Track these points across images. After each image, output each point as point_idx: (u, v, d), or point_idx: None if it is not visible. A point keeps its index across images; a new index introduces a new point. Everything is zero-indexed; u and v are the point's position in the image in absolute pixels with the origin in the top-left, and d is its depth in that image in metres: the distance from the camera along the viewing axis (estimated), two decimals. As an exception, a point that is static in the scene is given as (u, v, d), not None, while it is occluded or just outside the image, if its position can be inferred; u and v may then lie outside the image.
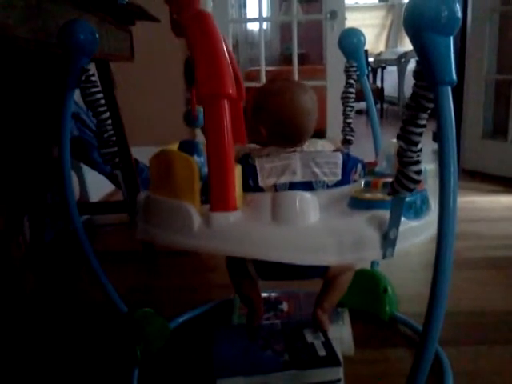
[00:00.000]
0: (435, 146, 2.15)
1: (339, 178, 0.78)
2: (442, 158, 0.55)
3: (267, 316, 1.03)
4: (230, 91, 0.65)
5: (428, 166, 0.76)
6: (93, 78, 0.87)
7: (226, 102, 0.65)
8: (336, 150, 0.84)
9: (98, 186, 2.05)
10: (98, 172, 1.70)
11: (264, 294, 1.11)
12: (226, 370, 0.82)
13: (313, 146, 0.84)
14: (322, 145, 0.86)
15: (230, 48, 2.74)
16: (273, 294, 1.13)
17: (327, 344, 0.87)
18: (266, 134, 0.84)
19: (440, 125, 0.54)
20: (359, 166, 0.82)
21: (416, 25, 0.53)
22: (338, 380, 0.81)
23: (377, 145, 1.07)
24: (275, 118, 0.82)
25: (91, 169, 1.73)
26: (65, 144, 0.90)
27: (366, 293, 1.08)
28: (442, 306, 0.58)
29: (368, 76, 1.11)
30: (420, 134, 0.58)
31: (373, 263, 1.18)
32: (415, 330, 1.01)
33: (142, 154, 1.40)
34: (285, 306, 1.07)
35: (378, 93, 5.28)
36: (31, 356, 0.99)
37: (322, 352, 0.84)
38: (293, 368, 0.81)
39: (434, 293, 0.58)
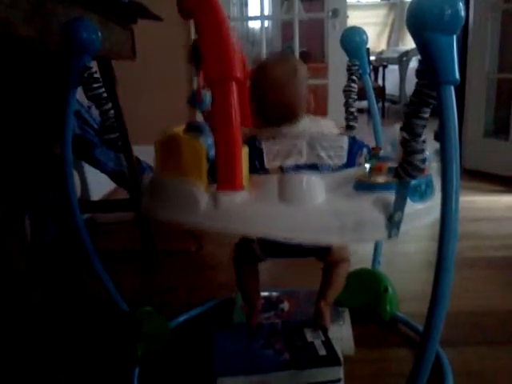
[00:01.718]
0: (437, 145, 2.14)
1: (345, 161, 0.79)
2: (444, 157, 0.55)
3: (268, 315, 1.03)
4: (238, 74, 0.65)
5: (430, 165, 0.76)
6: (95, 76, 0.88)
7: (233, 84, 0.65)
8: (342, 134, 0.85)
9: (99, 185, 2.05)
10: (100, 170, 1.70)
11: (265, 294, 1.11)
12: (227, 369, 0.82)
13: (315, 124, 0.85)
14: (325, 124, 0.86)
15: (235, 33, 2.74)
16: (273, 294, 1.13)
17: (327, 343, 0.87)
18: (256, 111, 0.85)
19: (443, 124, 0.54)
20: (364, 150, 0.82)
21: (419, 24, 0.53)
22: (338, 379, 0.81)
23: (378, 143, 1.07)
24: (256, 94, 0.84)
25: (92, 167, 1.73)
26: (67, 142, 0.90)
27: (366, 292, 1.08)
28: (443, 306, 0.58)
29: (369, 74, 1.11)
30: (423, 126, 0.59)
31: (374, 263, 1.18)
32: (416, 330, 1.01)
33: (144, 152, 1.40)
34: (285, 306, 1.07)
35: (380, 91, 5.27)
36: (32, 354, 0.99)
37: (322, 351, 0.84)
38: (293, 367, 0.81)
39: (436, 293, 0.58)
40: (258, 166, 0.76)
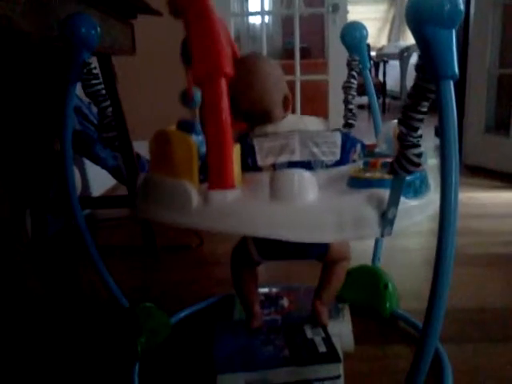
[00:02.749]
0: (437, 141, 2.14)
1: (338, 157, 0.78)
2: (443, 153, 0.55)
3: (267, 311, 1.03)
4: (227, 70, 0.64)
5: (430, 160, 0.76)
6: (94, 71, 0.88)
7: (223, 80, 0.64)
8: (335, 130, 0.84)
9: (100, 181, 2.05)
10: (100, 166, 1.70)
11: (264, 290, 1.11)
12: (227, 366, 0.82)
13: (300, 121, 0.84)
14: (311, 120, 0.85)
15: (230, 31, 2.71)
16: (273, 290, 1.13)
17: (327, 340, 0.87)
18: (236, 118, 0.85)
19: (442, 119, 0.54)
20: (358, 146, 0.82)
21: (418, 18, 0.52)
22: (338, 376, 0.81)
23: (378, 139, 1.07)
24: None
25: (93, 163, 1.73)
26: (67, 138, 0.90)
27: (366, 289, 1.09)
28: (442, 303, 0.58)
29: (370, 70, 1.10)
30: (421, 120, 0.58)
31: (374, 259, 1.18)
32: (415, 327, 1.01)
33: (144, 148, 1.40)
34: (285, 302, 1.08)
35: (380, 87, 5.26)
36: (32, 350, 0.99)
37: (322, 348, 0.85)
38: (293, 364, 0.81)
39: (435, 290, 0.58)
40: (250, 163, 0.76)
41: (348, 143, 0.79)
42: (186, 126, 0.84)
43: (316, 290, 0.94)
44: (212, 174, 0.66)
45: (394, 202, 0.63)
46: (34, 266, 1.06)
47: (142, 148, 1.51)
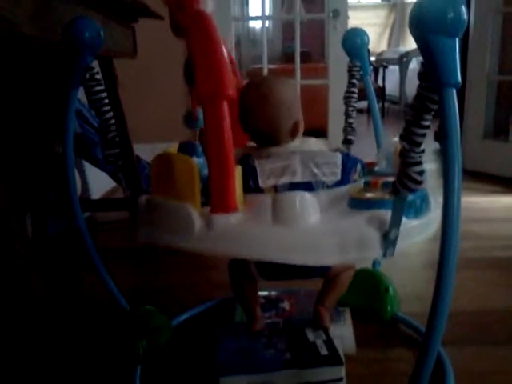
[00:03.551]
0: (437, 145, 2.16)
1: (339, 178, 0.78)
2: (447, 160, 0.55)
3: (268, 315, 1.03)
4: (230, 92, 0.65)
5: (429, 165, 0.76)
6: (97, 77, 0.88)
7: (225, 102, 0.64)
8: (335, 150, 0.84)
9: (100, 183, 2.05)
10: (100, 169, 1.70)
11: (265, 293, 1.11)
12: (229, 369, 0.82)
13: (305, 143, 0.85)
14: (314, 142, 0.86)
15: (231, 46, 2.73)
16: (274, 293, 1.13)
17: (329, 343, 0.87)
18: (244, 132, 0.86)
19: (445, 127, 0.54)
20: (359, 166, 0.82)
21: (421, 26, 0.53)
22: (340, 379, 0.81)
23: (379, 144, 1.07)
24: (240, 116, 0.85)
25: (93, 166, 1.73)
26: (69, 141, 0.90)
27: (367, 292, 1.09)
28: (445, 306, 0.59)
29: (370, 75, 1.11)
30: (423, 135, 0.59)
31: (374, 263, 1.18)
32: (417, 330, 1.01)
33: (144, 151, 1.41)
34: (286, 305, 1.08)
35: (380, 92, 5.28)
36: (33, 351, 0.99)
37: (323, 351, 0.85)
38: (295, 367, 0.82)
39: (438, 293, 0.58)
40: (252, 185, 0.76)
41: (349, 163, 0.80)
42: (187, 149, 0.84)
43: (318, 296, 0.94)
44: (214, 198, 0.66)
45: (395, 222, 0.64)
46: (35, 267, 1.06)
47: (142, 151, 1.51)
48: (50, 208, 1.52)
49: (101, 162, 1.67)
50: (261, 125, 0.84)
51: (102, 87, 0.89)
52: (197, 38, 0.66)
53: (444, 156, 0.55)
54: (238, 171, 0.68)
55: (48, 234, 1.51)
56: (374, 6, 6.68)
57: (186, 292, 1.27)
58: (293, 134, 0.84)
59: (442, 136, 0.55)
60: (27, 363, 0.95)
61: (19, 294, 0.94)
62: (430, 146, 2.73)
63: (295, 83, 0.90)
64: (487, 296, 1.21)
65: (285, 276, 0.89)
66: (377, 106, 1.13)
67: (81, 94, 0.91)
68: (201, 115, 0.98)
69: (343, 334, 0.96)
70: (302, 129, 0.86)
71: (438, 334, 0.60)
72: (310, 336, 0.89)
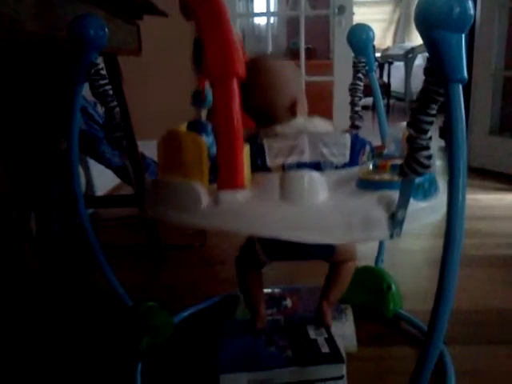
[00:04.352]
0: (442, 142, 2.14)
1: (347, 159, 0.78)
2: (452, 156, 0.55)
3: (271, 312, 1.03)
4: (240, 70, 0.65)
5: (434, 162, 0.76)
6: (102, 72, 0.88)
7: (235, 81, 0.65)
8: (345, 131, 0.84)
9: (104, 180, 2.06)
10: (104, 166, 1.71)
11: (267, 290, 1.11)
12: (230, 366, 0.82)
13: (309, 123, 0.84)
14: (319, 122, 0.85)
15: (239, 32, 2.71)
16: (276, 290, 1.13)
17: (330, 341, 0.87)
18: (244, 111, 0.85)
19: (450, 122, 0.54)
20: (367, 148, 0.81)
21: (427, 22, 0.52)
22: (341, 377, 0.82)
23: (384, 140, 1.07)
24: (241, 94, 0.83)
25: (97, 162, 1.73)
26: (74, 138, 0.90)
27: (369, 290, 1.09)
28: (448, 305, 0.58)
29: (375, 71, 1.10)
30: (430, 123, 0.58)
31: (377, 260, 1.18)
32: (419, 328, 1.01)
33: (149, 148, 1.41)
34: (288, 302, 1.08)
35: (385, 88, 5.26)
36: (35, 348, 1.00)
37: (325, 349, 0.85)
38: (296, 364, 0.82)
39: (441, 291, 0.58)
40: (260, 164, 0.76)
41: (357, 145, 0.79)
42: (196, 127, 0.84)
43: (322, 291, 0.94)
44: (222, 174, 0.66)
45: (403, 203, 0.63)
46: (39, 263, 1.07)
47: (147, 148, 1.52)
48: (55, 205, 1.53)
49: (105, 158, 1.67)
50: (257, 100, 0.83)
51: (107, 81, 0.89)
52: (206, 17, 0.66)
53: (449, 152, 0.55)
54: (245, 150, 0.68)
55: (53, 231, 1.52)
56: (380, 2, 6.64)
57: (189, 288, 1.27)
58: (292, 111, 0.83)
59: (447, 132, 0.54)
60: (29, 357, 0.96)
61: (23, 290, 0.95)
62: (435, 143, 2.71)
63: (295, 66, 0.89)
64: (490, 294, 1.20)
65: (290, 256, 0.89)
66: (382, 103, 1.13)
67: (85, 91, 0.92)
68: (209, 95, 0.97)
69: (345, 331, 0.96)
70: (305, 109, 0.86)
71: (440, 333, 0.60)
72: (312, 334, 0.89)
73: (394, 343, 1.00)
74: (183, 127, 0.89)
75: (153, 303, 1.03)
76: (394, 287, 1.07)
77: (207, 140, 0.74)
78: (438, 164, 0.77)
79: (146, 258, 1.50)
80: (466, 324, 1.05)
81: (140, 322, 0.97)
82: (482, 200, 2.03)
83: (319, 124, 0.84)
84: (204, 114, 1.00)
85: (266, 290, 1.10)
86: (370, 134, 0.93)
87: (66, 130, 0.90)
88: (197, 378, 0.90)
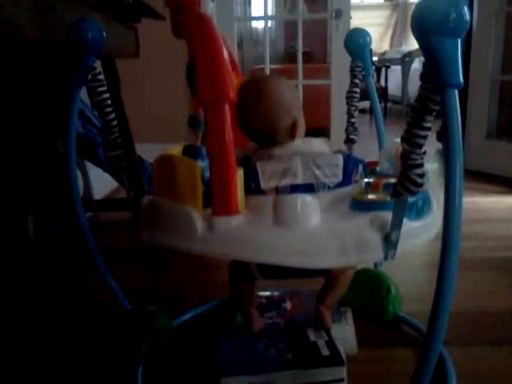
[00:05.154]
0: (439, 145, 2.16)
1: (340, 179, 0.78)
2: (448, 160, 0.55)
3: (270, 315, 1.03)
4: (231, 95, 0.65)
5: (431, 164, 0.76)
6: (99, 77, 0.88)
7: (227, 106, 0.65)
8: (337, 151, 0.84)
9: (102, 184, 2.06)
10: (102, 169, 1.71)
11: (267, 293, 1.11)
12: (230, 369, 0.82)
13: (307, 144, 0.84)
14: (316, 143, 0.85)
15: (234, 47, 2.73)
16: (276, 293, 1.13)
17: (330, 343, 0.87)
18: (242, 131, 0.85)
19: (446, 127, 0.54)
20: (360, 167, 0.81)
21: (423, 27, 0.53)
22: (341, 379, 0.81)
23: (381, 144, 1.07)
24: (237, 114, 0.83)
25: (95, 166, 1.73)
26: (71, 142, 0.90)
27: (369, 292, 1.09)
28: (446, 306, 0.58)
29: (372, 75, 1.11)
30: (425, 137, 0.58)
31: (376, 263, 1.18)
32: (418, 330, 1.01)
33: (147, 151, 1.41)
34: (288, 305, 1.08)
35: (382, 92, 5.28)
36: (34, 351, 1.00)
37: (325, 351, 0.85)
38: (296, 367, 0.82)
39: (440, 293, 0.58)
40: (253, 186, 0.75)
41: (350, 164, 0.79)
42: (191, 152, 0.84)
43: (319, 295, 0.94)
44: (216, 200, 0.66)
45: (396, 224, 0.64)
46: (36, 267, 1.06)
47: (144, 151, 1.52)
48: (53, 208, 1.53)
49: (103, 162, 1.67)
50: (257, 122, 0.83)
51: (105, 88, 0.89)
52: (197, 41, 0.66)
53: (446, 156, 0.55)
54: (239, 173, 0.68)
55: (51, 234, 1.51)
56: (377, 6, 6.67)
57: (188, 292, 1.27)
58: (292, 133, 0.83)
59: (443, 137, 0.55)
60: (28, 362, 0.96)
61: (19, 294, 0.94)
62: (432, 146, 2.72)
63: (295, 85, 0.88)
64: (489, 297, 1.20)
65: (285, 275, 0.88)
66: (379, 106, 1.13)
67: (83, 94, 0.92)
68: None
69: (345, 334, 0.96)
70: (303, 130, 0.86)
71: (439, 334, 0.60)
72: (312, 336, 0.89)
73: (394, 345, 1.00)
74: (175, 150, 0.89)
75: (152, 307, 1.03)
76: (393, 289, 1.07)
77: (202, 164, 0.74)
78: (436, 166, 0.77)
79: (144, 262, 1.50)
80: (466, 326, 1.05)
81: (140, 326, 0.97)
82: (480, 203, 2.04)
83: (316, 145, 0.84)
84: (200, 136, 1.01)
85: (265, 293, 1.11)
86: (368, 136, 0.94)
87: (63, 133, 0.90)
88: (197, 382, 0.90)
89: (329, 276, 0.92)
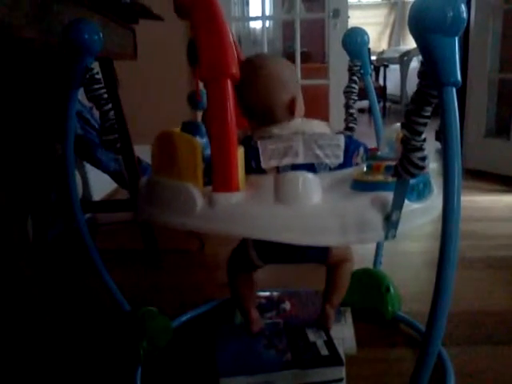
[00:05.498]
0: (438, 145, 2.16)
1: (341, 160, 0.78)
2: (446, 158, 0.55)
3: (269, 315, 1.03)
4: (234, 71, 0.64)
5: (431, 164, 0.76)
6: (97, 77, 0.88)
7: (229, 81, 0.64)
8: (339, 133, 0.84)
9: (101, 185, 2.05)
10: (101, 171, 1.70)
11: (266, 294, 1.11)
12: (229, 369, 0.82)
13: (307, 124, 0.83)
14: (316, 124, 0.84)
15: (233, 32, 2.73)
16: (275, 293, 1.13)
17: (329, 343, 0.87)
18: (241, 110, 0.84)
19: (444, 125, 0.54)
20: (361, 149, 0.81)
21: (421, 26, 0.53)
22: (341, 379, 0.81)
23: (379, 144, 1.07)
24: (237, 93, 0.82)
25: (94, 167, 1.73)
26: (69, 143, 0.90)
27: (368, 292, 1.08)
28: (445, 306, 0.59)
29: (370, 74, 1.11)
30: (424, 124, 0.58)
31: (375, 262, 1.18)
32: (418, 330, 1.01)
33: (145, 152, 1.40)
34: (287, 305, 1.08)
35: (381, 91, 5.28)
36: (33, 354, 0.99)
37: (324, 351, 0.85)
38: (295, 367, 0.82)
39: (438, 293, 0.58)
40: (254, 166, 0.75)
41: (351, 146, 0.79)
42: (190, 128, 0.84)
43: (324, 294, 0.94)
44: (216, 177, 0.66)
45: (397, 204, 0.64)
46: (36, 269, 1.06)
47: (143, 152, 1.51)
48: (52, 210, 1.53)
49: (102, 163, 1.67)
50: (256, 98, 0.82)
51: (102, 85, 0.89)
52: (200, 17, 0.66)
53: (444, 155, 0.55)
54: (239, 152, 0.67)
55: (49, 236, 1.51)
56: (375, 5, 6.67)
57: (187, 293, 1.27)
58: (291, 110, 0.82)
59: (441, 135, 0.55)
60: (28, 363, 0.96)
61: (19, 295, 0.94)
62: (431, 145, 2.72)
63: (292, 65, 0.88)
64: (487, 296, 1.20)
65: (283, 259, 0.88)
66: (378, 106, 1.13)
67: (81, 95, 0.92)
68: (204, 96, 0.97)
69: (344, 334, 0.96)
70: (302, 110, 0.85)
71: (438, 334, 0.60)
72: (311, 336, 0.89)
73: (393, 345, 1.00)
74: (177, 128, 0.88)
75: (151, 308, 1.03)
76: (392, 289, 1.07)
77: (201, 141, 0.74)
78: (434, 166, 0.77)
79: (143, 263, 1.50)
80: (464, 325, 1.05)
81: (139, 327, 0.97)
82: (478, 201, 2.04)
83: (316, 126, 0.84)
84: (200, 115, 1.00)
85: (264, 293, 1.11)
86: (366, 136, 0.94)
87: (61, 134, 0.90)
88: (196, 382, 0.90)
89: (328, 267, 0.92)
